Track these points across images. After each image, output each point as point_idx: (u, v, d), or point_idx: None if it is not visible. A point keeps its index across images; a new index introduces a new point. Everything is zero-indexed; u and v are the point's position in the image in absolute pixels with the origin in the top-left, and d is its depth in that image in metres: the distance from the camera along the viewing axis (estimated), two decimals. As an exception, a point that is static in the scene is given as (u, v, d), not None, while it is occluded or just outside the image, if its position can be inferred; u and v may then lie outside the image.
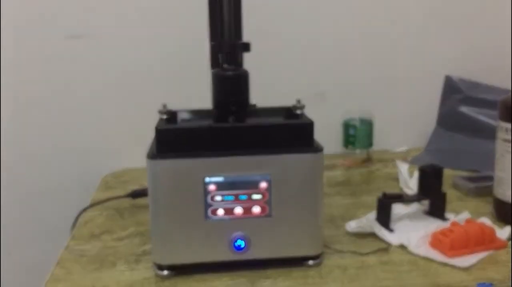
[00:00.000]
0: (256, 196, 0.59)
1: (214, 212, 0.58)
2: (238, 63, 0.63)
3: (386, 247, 0.65)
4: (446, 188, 0.75)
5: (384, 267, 0.61)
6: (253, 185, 0.58)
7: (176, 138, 0.58)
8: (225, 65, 0.62)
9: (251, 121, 0.63)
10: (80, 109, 1.04)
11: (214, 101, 0.63)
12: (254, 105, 0.65)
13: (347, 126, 1.04)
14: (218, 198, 0.58)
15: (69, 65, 1.02)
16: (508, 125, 0.69)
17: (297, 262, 0.61)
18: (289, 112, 0.65)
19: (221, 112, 0.63)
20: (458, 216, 0.72)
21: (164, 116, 0.63)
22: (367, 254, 0.64)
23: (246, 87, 0.63)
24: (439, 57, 1.11)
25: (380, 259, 0.63)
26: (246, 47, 0.62)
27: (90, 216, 0.80)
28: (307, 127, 0.59)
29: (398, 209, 0.73)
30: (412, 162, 0.99)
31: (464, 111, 1.09)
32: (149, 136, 0.61)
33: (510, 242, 0.65)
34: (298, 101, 0.64)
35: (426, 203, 0.75)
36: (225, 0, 0.61)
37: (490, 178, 0.76)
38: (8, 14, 0.99)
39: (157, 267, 0.60)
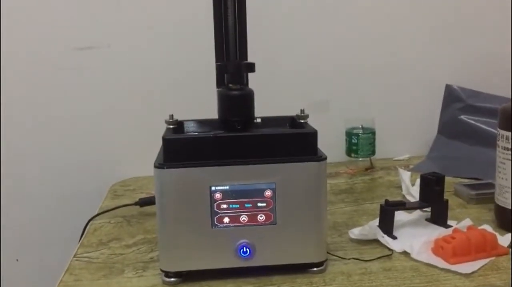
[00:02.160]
0: (261, 204, 0.60)
1: (220, 220, 0.59)
2: (243, 82, 0.64)
3: (389, 254, 0.66)
4: (448, 195, 0.75)
5: (387, 274, 0.61)
6: (258, 194, 0.59)
7: (182, 148, 0.59)
8: (231, 85, 0.63)
9: (256, 130, 0.64)
10: (89, 119, 1.05)
11: (220, 119, 0.64)
12: (258, 123, 0.66)
13: (350, 134, 1.05)
14: (224, 206, 0.59)
15: (78, 76, 1.04)
16: (508, 133, 0.70)
17: (302, 269, 0.62)
18: (293, 122, 0.67)
19: (226, 128, 0.64)
20: (460, 223, 0.72)
21: (171, 126, 0.64)
22: (370, 260, 0.65)
23: (251, 106, 0.64)
24: (440, 67, 1.13)
25: (383, 265, 0.63)
26: (251, 67, 0.63)
27: (98, 224, 0.81)
28: (311, 136, 0.61)
29: (400, 216, 0.74)
30: (414, 170, 1.00)
31: (465, 119, 1.10)
32: (157, 145, 0.62)
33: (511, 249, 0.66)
34: (302, 111, 0.65)
35: (428, 211, 0.76)
36: (230, 22, 0.62)
37: (491, 186, 0.77)
38: (17, 25, 1.01)
39: (164, 274, 0.61)
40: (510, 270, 0.61)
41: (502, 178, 0.71)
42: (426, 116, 1.14)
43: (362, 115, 1.06)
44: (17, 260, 1.07)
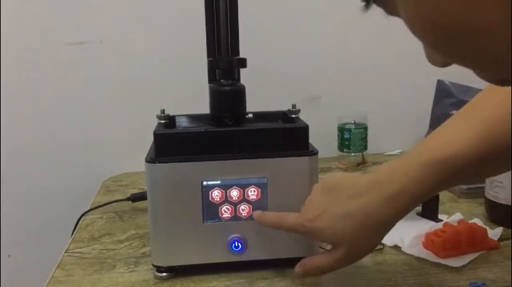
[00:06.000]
0: (253, 199, 0.60)
1: (211, 214, 0.60)
2: (235, 78, 0.63)
3: (380, 248, 0.66)
4: (439, 190, 0.76)
5: (378, 267, 0.62)
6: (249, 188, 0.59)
7: (174, 142, 0.59)
8: (222, 81, 0.63)
9: (248, 125, 0.64)
10: (80, 114, 1.05)
11: (211, 114, 0.64)
12: (250, 118, 0.66)
13: (342, 130, 1.05)
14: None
15: (70, 71, 1.03)
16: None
17: (293, 262, 0.62)
18: (285, 117, 0.67)
19: (218, 123, 0.64)
20: (451, 217, 0.73)
21: (163, 121, 0.64)
22: (361, 254, 0.65)
23: (243, 101, 0.63)
24: (432, 62, 1.13)
25: (374, 259, 0.64)
26: (243, 63, 0.63)
27: (90, 219, 0.81)
28: (302, 131, 0.61)
29: (392, 210, 0.75)
30: (406, 165, 1.00)
31: (456, 114, 1.11)
32: (148, 140, 0.62)
33: (503, 242, 0.67)
34: (293, 106, 0.65)
35: (419, 205, 0.76)
36: (222, 18, 0.62)
37: (482, 180, 0.77)
38: (9, 20, 1.00)
39: (156, 269, 0.61)
40: (502, 263, 0.62)
41: (492, 173, 0.72)
42: (418, 111, 1.14)
43: (355, 110, 1.06)
44: (9, 255, 1.07)
